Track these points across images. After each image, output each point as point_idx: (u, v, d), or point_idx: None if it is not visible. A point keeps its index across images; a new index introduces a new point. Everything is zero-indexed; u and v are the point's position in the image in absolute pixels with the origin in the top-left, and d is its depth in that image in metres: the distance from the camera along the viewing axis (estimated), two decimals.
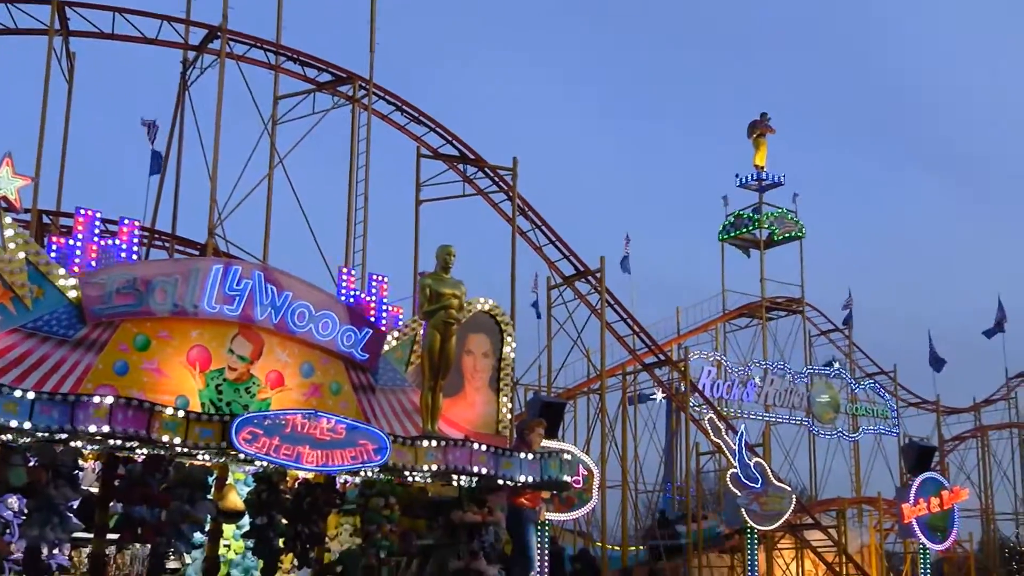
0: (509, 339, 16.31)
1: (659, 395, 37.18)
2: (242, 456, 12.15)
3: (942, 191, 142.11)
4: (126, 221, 13.50)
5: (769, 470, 21.13)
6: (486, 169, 27.79)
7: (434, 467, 13.24)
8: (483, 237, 36.55)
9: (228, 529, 14.10)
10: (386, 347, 15.06)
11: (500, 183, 27.90)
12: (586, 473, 19.54)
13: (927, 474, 23.11)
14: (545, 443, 15.92)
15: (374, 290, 15.42)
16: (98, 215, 13.12)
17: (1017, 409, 46.87)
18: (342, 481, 14.19)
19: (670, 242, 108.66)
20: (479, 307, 16.06)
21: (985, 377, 49.10)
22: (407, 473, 13.46)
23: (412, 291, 19.98)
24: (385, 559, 14.04)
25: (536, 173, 76.61)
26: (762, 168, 40.93)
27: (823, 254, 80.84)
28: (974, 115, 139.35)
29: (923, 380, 44.84)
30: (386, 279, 15.57)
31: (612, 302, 30.48)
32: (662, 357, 32.58)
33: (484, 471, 13.60)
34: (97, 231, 13.08)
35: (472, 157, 27.49)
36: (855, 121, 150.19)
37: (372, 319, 15.00)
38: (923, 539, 22.55)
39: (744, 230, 40.64)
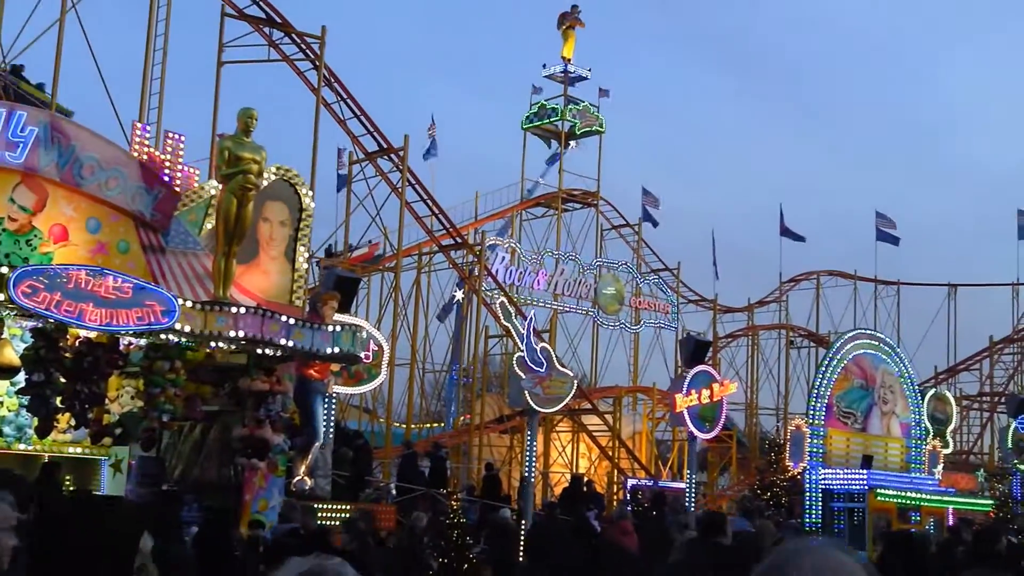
0: (308, 210, 16.08)
1: (459, 295, 37.59)
2: (20, 310, 11.66)
3: (737, 96, 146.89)
4: None
5: (554, 356, 21.73)
6: (293, 35, 27.00)
7: (228, 333, 13.04)
8: (287, 106, 35.69)
9: (2, 385, 13.58)
10: (179, 208, 14.61)
11: (307, 51, 27.18)
12: (376, 349, 19.65)
13: (700, 367, 24.26)
14: (337, 316, 15.89)
15: (169, 149, 14.86)
16: None
17: (787, 311, 49.74)
18: (126, 343, 13.82)
19: (476, 126, 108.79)
20: (279, 175, 15.73)
21: (760, 279, 51.77)
22: (202, 341, 13.22)
23: (210, 153, 19.41)
24: (168, 423, 13.84)
25: (346, 45, 74.86)
26: (569, 60, 41.24)
27: (622, 150, 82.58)
28: (788, 21, 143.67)
29: (705, 279, 46.91)
30: (183, 138, 15.03)
31: (413, 182, 30.43)
32: (458, 240, 32.87)
33: (276, 339, 13.50)
34: None
35: (279, 21, 26.62)
36: (664, 21, 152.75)
37: (167, 178, 14.49)
38: (692, 428, 23.77)
39: (547, 121, 41.05)
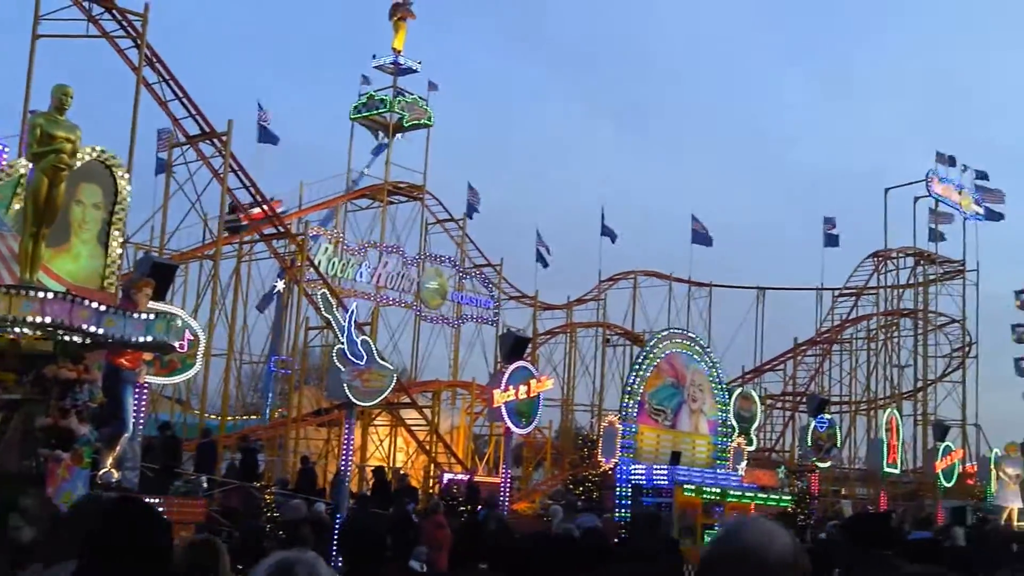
0: (123, 194, 15.61)
1: (280, 286, 37.00)
2: None
3: (565, 95, 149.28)
4: None
5: (374, 349, 21.65)
6: (114, 12, 26.12)
7: (34, 319, 12.54)
8: (106, 84, 34.48)
9: None
10: None
11: (128, 28, 26.34)
12: (192, 338, 19.21)
13: (519, 363, 24.59)
14: (152, 305, 15.47)
15: None
16: None
17: (605, 310, 50.88)
18: None
19: (304, 114, 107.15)
20: (94, 156, 15.21)
21: (580, 278, 52.81)
22: (6, 326, 12.67)
23: (21, 130, 18.62)
24: None
25: (170, 24, 72.64)
26: (399, 52, 41.16)
27: (449, 145, 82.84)
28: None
29: (527, 275, 47.51)
30: None
31: (236, 168, 29.85)
32: (281, 230, 32.42)
33: (85, 327, 13.06)
34: None
35: None
36: (496, 18, 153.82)
37: None
38: (509, 423, 24.09)
39: (375, 112, 40.89)
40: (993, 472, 35.55)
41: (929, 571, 4.52)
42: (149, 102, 27.39)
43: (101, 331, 13.20)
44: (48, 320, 12.64)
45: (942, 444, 35.87)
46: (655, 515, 11.63)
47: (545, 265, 47.16)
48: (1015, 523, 33.23)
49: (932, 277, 51.81)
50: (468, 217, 43.92)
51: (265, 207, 31.36)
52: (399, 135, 41.18)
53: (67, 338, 13.40)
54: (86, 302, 13.11)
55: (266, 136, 37.61)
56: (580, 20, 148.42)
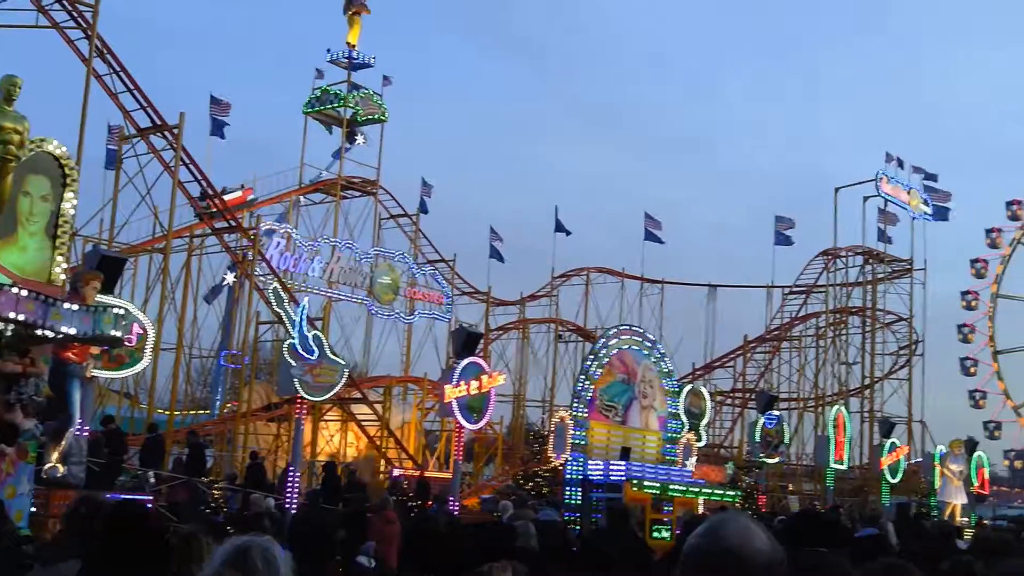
0: (72, 186, 15.45)
1: (229, 279, 36.79)
2: None
3: (521, 93, 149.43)
4: None
5: (326, 344, 21.62)
6: (64, 2, 25.82)
7: None
8: (54, 74, 34.08)
9: None
10: None
11: (79, 19, 26.05)
12: (141, 332, 19.07)
13: (471, 359, 24.64)
14: (100, 298, 15.35)
15: None
16: None
17: (557, 306, 51.06)
18: None
19: (257, 108, 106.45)
20: (43, 147, 15.04)
21: (533, 274, 53.00)
22: None
23: None
24: None
25: (122, 16, 71.91)
26: (354, 47, 41.00)
27: (404, 140, 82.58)
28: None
29: (480, 271, 47.59)
30: None
31: (187, 161, 29.62)
32: (233, 223, 32.21)
33: (31, 320, 12.92)
34: None
35: None
36: (452, 14, 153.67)
37: None
38: (460, 419, 24.13)
39: (329, 106, 40.72)
40: (937, 469, 36.10)
41: (876, 567, 4.62)
42: (100, 94, 27.13)
43: (48, 324, 13.08)
44: None
45: (888, 441, 36.36)
46: (626, 510, 12.10)
47: (499, 259, 47.22)
48: (958, 519, 33.79)
49: (880, 276, 52.48)
50: (422, 212, 43.88)
51: (217, 201, 31.15)
52: (359, 139, 41.02)
53: (12, 331, 13.26)
54: (33, 294, 12.98)
55: (218, 129, 37.33)
56: (543, 19, 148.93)
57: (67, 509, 5.96)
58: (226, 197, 32.77)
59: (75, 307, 13.54)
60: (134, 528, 3.96)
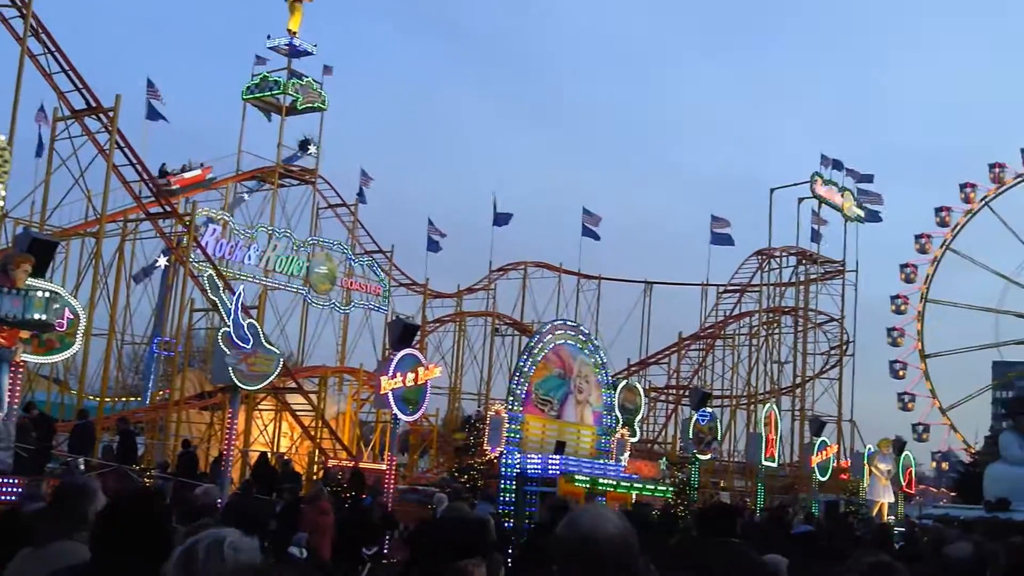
0: (4, 167, 15.17)
1: (162, 262, 36.26)
2: None
3: (462, 84, 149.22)
4: None
5: (261, 333, 21.40)
6: None
7: None
8: None
9: None
10: None
11: None
12: (72, 317, 18.75)
13: (407, 350, 24.53)
14: (31, 281, 15.07)
15: None
16: None
17: (495, 299, 51.12)
18: None
19: (195, 92, 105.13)
20: None
21: (470, 267, 53.02)
22: None
23: None
24: None
25: None
26: (295, 34, 40.69)
27: (343, 129, 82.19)
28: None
29: (417, 263, 47.49)
30: None
31: (122, 144, 29.17)
32: (168, 208, 31.80)
33: None
34: None
35: None
36: (408, 5, 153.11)
37: None
38: (396, 410, 24.03)
39: (268, 93, 40.39)
40: (866, 468, 36.67)
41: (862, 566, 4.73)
42: (33, 74, 26.62)
43: None
44: None
45: (818, 439, 36.88)
46: (566, 503, 12.41)
47: (436, 250, 47.09)
48: (885, 517, 34.37)
49: (813, 276, 53.21)
50: (360, 202, 43.65)
51: (151, 186, 30.72)
52: (310, 147, 40.76)
53: None
54: None
55: (155, 113, 36.72)
56: (491, 13, 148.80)
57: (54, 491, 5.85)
58: (185, 175, 32.37)
59: (4, 290, 13.30)
60: (142, 512, 3.95)
